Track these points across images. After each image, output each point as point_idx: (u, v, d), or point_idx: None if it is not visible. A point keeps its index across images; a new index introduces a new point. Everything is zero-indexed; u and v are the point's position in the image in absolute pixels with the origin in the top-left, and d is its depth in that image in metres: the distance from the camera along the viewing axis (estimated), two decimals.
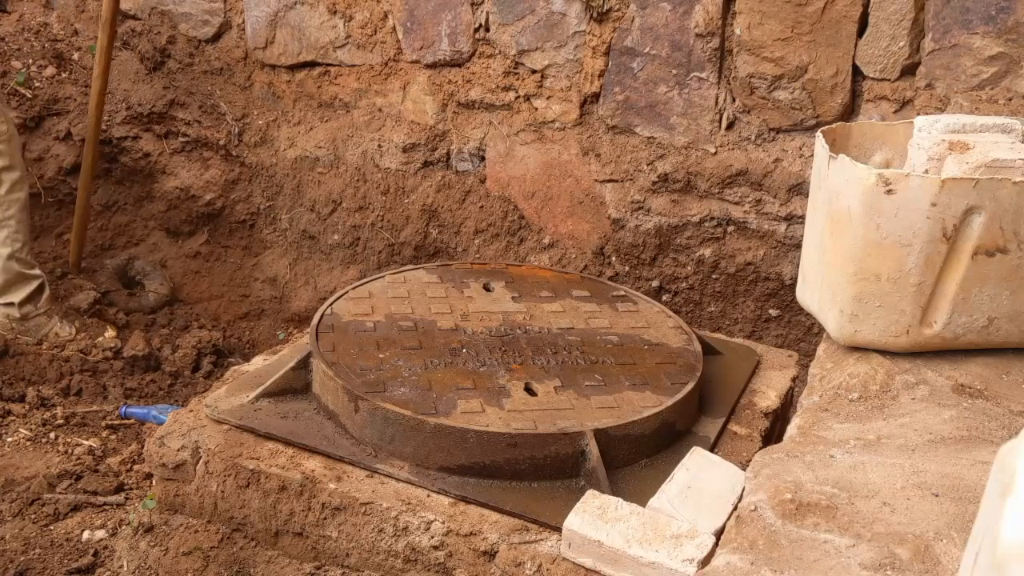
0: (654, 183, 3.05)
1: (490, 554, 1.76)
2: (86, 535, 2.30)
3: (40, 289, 3.15)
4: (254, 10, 3.51)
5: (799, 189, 2.87)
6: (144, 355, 3.22)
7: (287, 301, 3.74)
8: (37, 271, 3.18)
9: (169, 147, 3.70)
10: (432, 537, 1.80)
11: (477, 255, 3.37)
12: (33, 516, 2.35)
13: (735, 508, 1.60)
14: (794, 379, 2.39)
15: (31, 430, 2.69)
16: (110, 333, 3.26)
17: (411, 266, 2.69)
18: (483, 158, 3.34)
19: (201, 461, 2.01)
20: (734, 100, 2.92)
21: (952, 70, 2.62)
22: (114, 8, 3.27)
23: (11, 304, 3.10)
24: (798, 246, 2.80)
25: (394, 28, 3.34)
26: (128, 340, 3.26)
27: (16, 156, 3.08)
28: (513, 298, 2.46)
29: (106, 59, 3.31)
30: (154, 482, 2.11)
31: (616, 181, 3.13)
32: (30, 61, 3.58)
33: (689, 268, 3.10)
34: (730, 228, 3.02)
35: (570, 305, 2.44)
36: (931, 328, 1.83)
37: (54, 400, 2.90)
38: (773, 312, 3.06)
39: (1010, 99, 2.52)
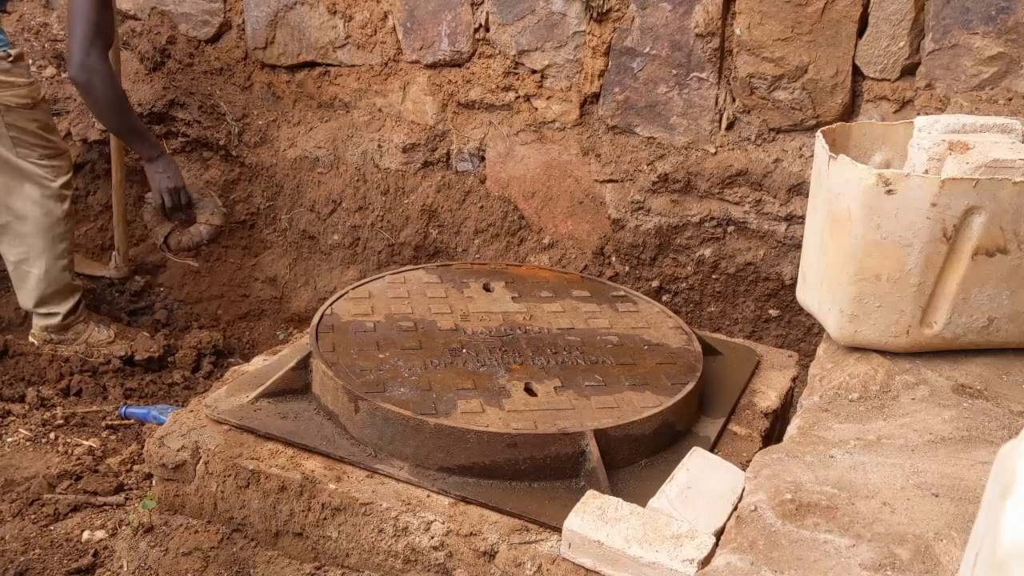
0: (654, 183, 3.05)
1: (490, 554, 1.76)
2: (86, 535, 2.30)
3: (80, 300, 3.21)
4: (254, 10, 3.51)
5: (799, 189, 2.87)
6: (158, 357, 3.24)
7: (287, 301, 3.74)
8: (79, 282, 3.25)
9: (169, 147, 3.70)
10: (432, 537, 1.80)
11: (477, 255, 3.37)
12: (33, 516, 2.35)
13: (735, 508, 1.60)
14: (794, 379, 2.39)
15: (31, 430, 2.69)
16: (145, 334, 3.34)
17: (411, 266, 2.69)
18: (483, 158, 3.34)
19: (201, 461, 2.01)
20: (734, 100, 2.92)
21: (952, 70, 2.62)
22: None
23: (53, 314, 3.14)
24: (798, 246, 2.81)
25: (394, 28, 3.34)
26: (137, 343, 3.25)
27: (71, 185, 3.17)
28: (513, 298, 2.46)
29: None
30: (154, 482, 2.11)
31: (616, 181, 3.13)
32: (30, 61, 3.58)
33: (689, 268, 3.11)
34: (730, 228, 3.02)
35: (570, 305, 2.44)
36: (931, 328, 1.83)
37: (54, 400, 2.90)
38: (773, 312, 3.06)
39: (1010, 99, 2.52)
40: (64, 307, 3.14)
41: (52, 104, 3.58)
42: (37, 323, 3.16)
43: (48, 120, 3.08)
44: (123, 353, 3.18)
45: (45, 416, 2.79)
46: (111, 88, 2.99)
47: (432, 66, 3.32)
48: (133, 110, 3.17)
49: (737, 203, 2.98)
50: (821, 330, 2.04)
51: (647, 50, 2.98)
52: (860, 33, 2.71)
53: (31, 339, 3.18)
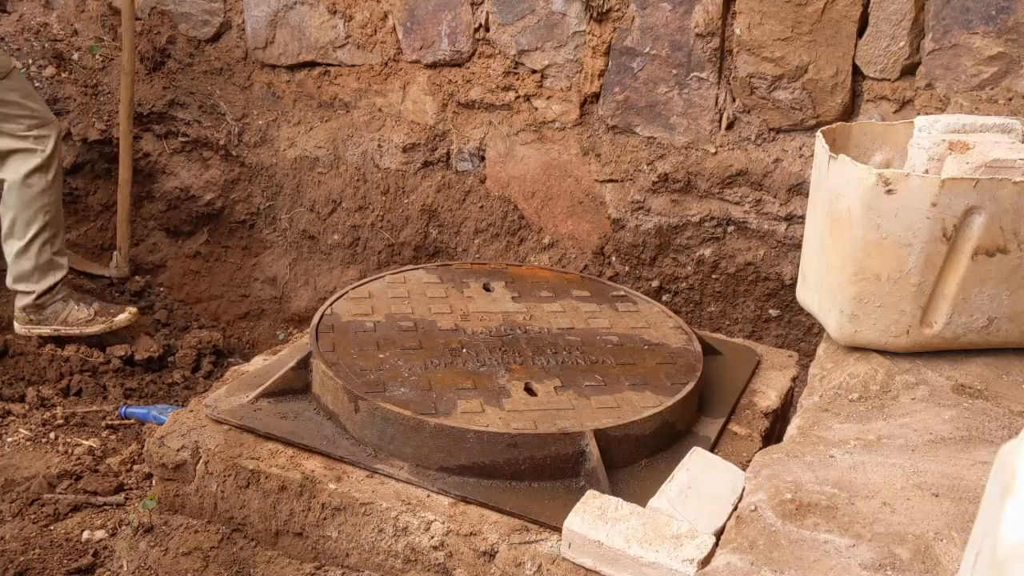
0: (654, 183, 3.05)
1: (490, 554, 1.76)
2: (86, 535, 2.30)
3: (60, 280, 3.10)
4: (254, 10, 3.51)
5: (799, 189, 2.87)
6: (158, 357, 3.23)
7: (287, 301, 3.74)
8: (65, 261, 3.12)
9: (169, 147, 3.70)
10: (432, 537, 1.80)
11: (477, 255, 3.37)
12: (33, 516, 2.35)
13: (735, 508, 1.60)
14: (794, 379, 2.39)
15: (31, 430, 2.69)
16: (131, 311, 3.21)
17: (411, 266, 2.69)
18: (483, 158, 3.34)
19: (201, 461, 2.01)
20: (734, 100, 2.92)
21: (952, 70, 2.61)
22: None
23: (28, 293, 3.05)
24: (798, 246, 2.80)
25: (394, 28, 3.34)
26: (138, 343, 3.25)
27: (58, 151, 3.08)
28: (513, 298, 2.46)
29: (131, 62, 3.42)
30: (154, 482, 2.11)
31: (616, 181, 3.13)
32: (30, 61, 3.58)
33: (689, 268, 3.11)
34: (730, 228, 3.02)
35: (570, 305, 2.44)
36: (931, 328, 1.83)
37: (54, 400, 2.90)
38: (773, 312, 3.06)
39: (1010, 99, 2.52)
40: (41, 285, 3.04)
41: (52, 104, 3.58)
42: (16, 304, 3.09)
43: (27, 87, 3.00)
44: (101, 330, 3.10)
45: (45, 416, 2.79)
46: None
47: (432, 66, 3.32)
48: None
49: (737, 203, 2.98)
50: (821, 330, 2.04)
51: (647, 50, 2.98)
52: (860, 33, 2.70)
53: (15, 326, 3.10)
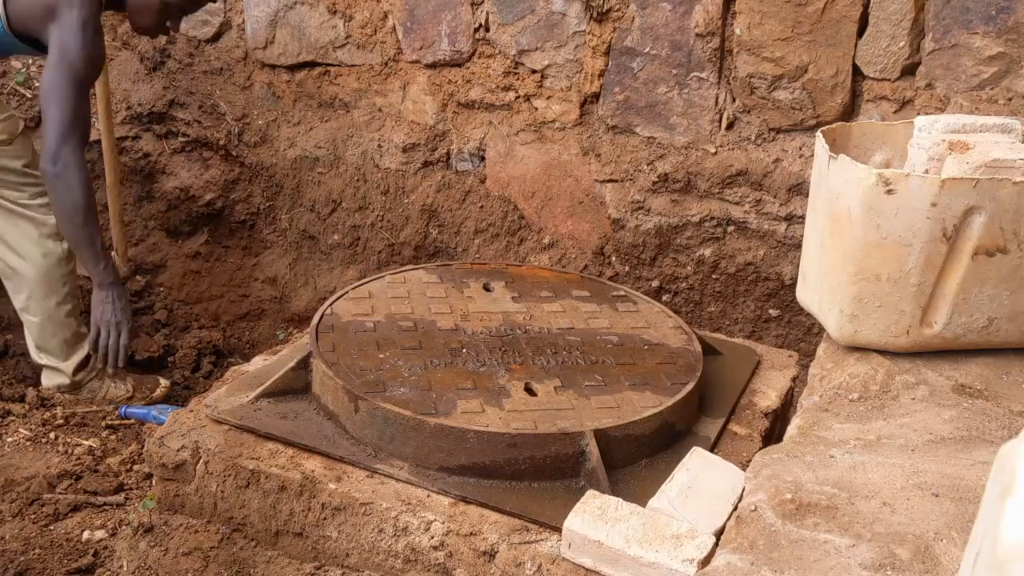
0: (654, 183, 3.05)
1: (490, 554, 1.76)
2: (86, 535, 2.30)
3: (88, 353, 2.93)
4: (254, 10, 3.51)
5: (799, 189, 2.87)
6: (158, 357, 3.22)
7: (287, 301, 3.74)
8: (86, 330, 2.91)
9: (169, 147, 3.70)
10: (432, 537, 1.80)
11: (477, 255, 3.37)
12: (33, 516, 2.35)
13: (735, 508, 1.60)
14: (794, 379, 2.39)
15: (31, 430, 2.69)
16: (164, 384, 3.10)
17: (411, 266, 2.69)
18: (483, 158, 3.34)
19: (201, 461, 2.01)
20: (734, 100, 2.92)
21: (952, 70, 2.61)
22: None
23: (61, 371, 2.88)
24: (798, 246, 2.80)
25: (394, 28, 3.34)
26: (138, 343, 3.25)
27: None
28: (513, 298, 2.46)
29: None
30: (154, 482, 2.11)
31: (616, 181, 3.13)
32: (30, 61, 3.58)
33: (689, 268, 3.11)
34: (730, 228, 3.02)
35: (570, 305, 2.44)
36: (931, 328, 1.83)
37: (54, 400, 2.90)
38: (773, 312, 3.06)
39: (1010, 99, 2.52)
40: (72, 360, 2.89)
41: None
42: (47, 382, 2.92)
43: (31, 153, 2.82)
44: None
45: (45, 416, 2.79)
46: (83, 189, 2.54)
47: (432, 66, 3.32)
48: (98, 223, 2.66)
49: (737, 203, 2.98)
50: (821, 330, 2.04)
51: (647, 50, 2.98)
52: (860, 33, 2.70)
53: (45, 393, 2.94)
